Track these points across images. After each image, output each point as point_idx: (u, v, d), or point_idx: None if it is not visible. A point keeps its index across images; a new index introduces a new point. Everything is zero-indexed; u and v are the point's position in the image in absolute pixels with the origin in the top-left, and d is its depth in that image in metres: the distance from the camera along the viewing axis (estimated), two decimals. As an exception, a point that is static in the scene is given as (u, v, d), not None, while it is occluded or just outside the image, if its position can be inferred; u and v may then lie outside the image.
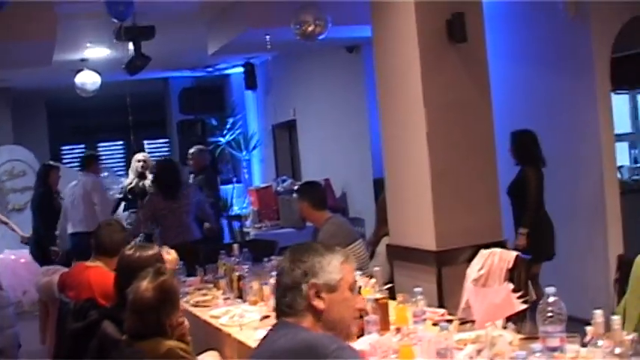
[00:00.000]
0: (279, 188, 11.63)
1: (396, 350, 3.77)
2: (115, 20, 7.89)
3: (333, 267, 2.84)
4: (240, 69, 13.79)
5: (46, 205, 10.09)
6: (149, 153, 16.87)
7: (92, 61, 11.57)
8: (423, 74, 5.70)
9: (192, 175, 10.85)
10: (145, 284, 3.86)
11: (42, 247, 9.98)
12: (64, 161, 16.08)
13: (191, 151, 10.86)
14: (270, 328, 2.92)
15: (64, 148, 17.83)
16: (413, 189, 5.91)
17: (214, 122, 14.81)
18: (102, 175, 13.25)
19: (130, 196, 10.50)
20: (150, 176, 10.32)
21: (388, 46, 6.14)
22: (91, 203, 9.72)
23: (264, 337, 2.88)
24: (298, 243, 3.04)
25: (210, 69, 14.26)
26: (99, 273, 5.29)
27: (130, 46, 8.80)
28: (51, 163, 11.06)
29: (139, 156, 10.72)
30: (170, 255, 5.57)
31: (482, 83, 5.95)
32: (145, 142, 18.56)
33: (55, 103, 16.06)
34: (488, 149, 5.98)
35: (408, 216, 6.01)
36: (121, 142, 18.79)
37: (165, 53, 10.21)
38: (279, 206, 11.19)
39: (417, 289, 4.45)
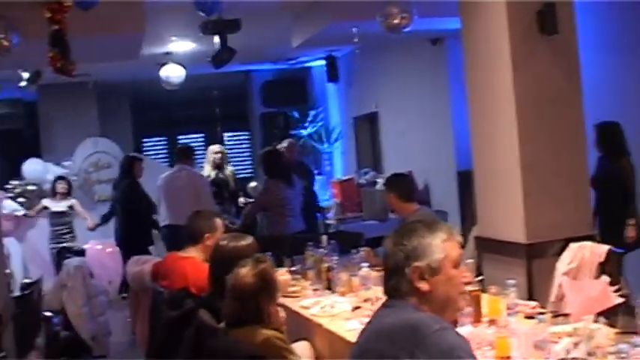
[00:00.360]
0: (361, 180, 11.67)
1: (490, 342, 3.78)
2: (202, 14, 8.00)
3: (435, 247, 2.80)
4: (322, 62, 13.81)
5: (135, 194, 10.12)
6: (229, 146, 17.18)
7: (176, 54, 11.72)
8: (513, 67, 5.67)
9: None
10: (246, 271, 3.99)
11: (128, 238, 10.09)
12: (146, 153, 16.31)
13: (283, 144, 10.73)
14: (382, 303, 2.93)
15: (145, 140, 18.12)
16: (502, 181, 5.88)
17: (296, 115, 14.87)
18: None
19: (214, 189, 10.43)
20: (229, 167, 10.43)
21: (478, 38, 6.12)
22: (195, 198, 9.41)
23: (373, 314, 2.91)
24: (402, 225, 3.01)
25: (292, 62, 14.29)
26: (194, 264, 5.44)
27: (216, 39, 8.88)
28: (135, 154, 11.21)
29: (215, 148, 10.83)
30: (283, 276, 5.61)
31: (574, 75, 5.90)
32: (225, 134, 18.77)
33: (138, 96, 16.32)
34: (578, 142, 5.92)
35: (497, 208, 5.98)
36: (201, 135, 19.03)
37: (248, 46, 10.27)
38: (362, 198, 11.23)
39: (510, 282, 4.46)
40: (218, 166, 10.53)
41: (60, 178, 11.66)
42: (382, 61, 12.38)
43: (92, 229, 11.23)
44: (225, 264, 4.46)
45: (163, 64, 11.77)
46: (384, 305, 2.86)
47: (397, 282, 2.79)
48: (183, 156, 9.97)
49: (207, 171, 10.65)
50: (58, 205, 11.39)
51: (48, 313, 5.27)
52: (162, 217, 9.68)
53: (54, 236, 11.29)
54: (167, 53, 11.62)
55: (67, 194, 11.49)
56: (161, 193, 9.72)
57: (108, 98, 14.92)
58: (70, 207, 11.49)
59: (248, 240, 4.79)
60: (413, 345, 2.56)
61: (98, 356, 7.64)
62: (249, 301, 3.94)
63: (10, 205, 11.87)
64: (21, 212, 11.79)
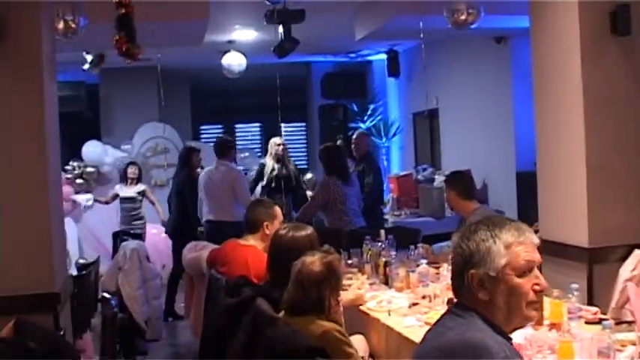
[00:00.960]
0: (419, 176, 11.62)
1: (551, 346, 3.73)
2: (268, 3, 8.01)
3: (496, 253, 2.60)
4: (383, 55, 13.80)
5: (188, 187, 9.98)
6: (286, 136, 17.21)
7: (239, 42, 11.75)
8: (583, 67, 5.55)
9: (352, 162, 10.23)
10: (314, 259, 4.02)
11: (179, 228, 9.94)
12: (204, 140, 16.40)
13: (354, 136, 10.52)
14: (449, 306, 2.87)
15: (203, 127, 18.23)
16: (566, 183, 5.79)
17: (355, 108, 14.87)
18: (239, 157, 13.57)
19: (273, 184, 10.22)
20: (291, 161, 10.36)
21: (547, 37, 6.02)
22: (232, 193, 9.32)
23: (440, 318, 2.78)
24: (467, 224, 2.82)
25: (352, 55, 14.30)
26: (254, 252, 5.50)
27: (280, 29, 8.88)
28: (192, 145, 11.20)
29: (277, 140, 10.62)
30: (360, 290, 5.51)
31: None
32: (283, 125, 18.79)
33: (198, 83, 16.43)
34: (646, 145, 5.80)
35: (560, 211, 5.89)
36: (258, 124, 19.11)
37: (310, 37, 10.22)
38: (419, 194, 11.17)
39: (573, 285, 4.40)
40: (279, 159, 10.34)
41: (131, 163, 11.72)
42: (445, 57, 12.31)
43: (164, 223, 11.25)
44: (285, 253, 4.49)
45: (225, 52, 11.83)
46: (451, 311, 2.74)
47: (459, 286, 2.69)
48: (219, 151, 9.67)
49: (269, 164, 10.37)
50: (128, 191, 11.44)
51: (105, 294, 5.30)
52: (204, 213, 9.54)
53: (124, 221, 11.33)
54: (230, 41, 11.69)
55: (137, 179, 11.52)
56: (201, 189, 9.56)
57: (169, 84, 14.94)
58: (140, 192, 11.53)
59: (308, 230, 4.80)
60: None
61: (151, 339, 7.70)
62: (312, 289, 3.95)
63: (84, 197, 12.05)
64: (90, 201, 11.94)
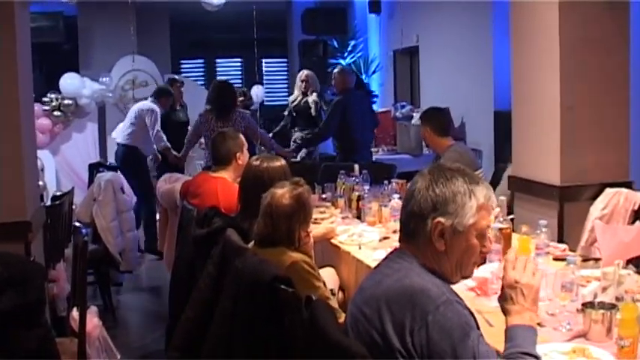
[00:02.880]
0: (397, 114, 11.59)
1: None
2: None
3: (468, 209, 2.59)
4: (365, -9, 13.73)
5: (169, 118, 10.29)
6: (267, 72, 17.15)
7: (218, -26, 11.60)
8: (560, 7, 5.52)
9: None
10: (283, 192, 4.01)
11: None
12: (184, 75, 16.32)
13: (335, 71, 10.29)
14: (388, 252, 2.81)
15: (183, 61, 18.12)
16: (540, 122, 5.79)
17: (335, 44, 14.77)
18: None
19: (294, 114, 10.41)
20: (313, 95, 10.31)
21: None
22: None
23: (378, 265, 2.77)
24: (441, 166, 2.75)
25: (334, -10, 14.22)
26: (225, 184, 5.52)
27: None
28: (175, 77, 11.21)
29: (300, 74, 10.68)
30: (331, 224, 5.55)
31: (622, 20, 5.74)
32: (264, 60, 18.73)
33: (177, 17, 16.27)
34: (621, 87, 5.79)
35: (533, 149, 5.90)
36: (238, 60, 19.03)
37: None
38: (397, 132, 11.18)
39: (541, 222, 4.43)
40: (304, 93, 10.42)
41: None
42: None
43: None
44: (257, 184, 4.50)
45: (205, -16, 11.70)
46: (391, 256, 2.72)
47: (414, 228, 2.62)
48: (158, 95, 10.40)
49: (295, 95, 10.55)
50: None
51: (77, 224, 5.29)
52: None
53: None
54: (208, -28, 11.52)
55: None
56: None
57: (147, 16, 14.87)
58: None
59: (281, 161, 4.81)
60: (411, 318, 2.41)
61: (124, 271, 7.73)
62: (281, 222, 3.95)
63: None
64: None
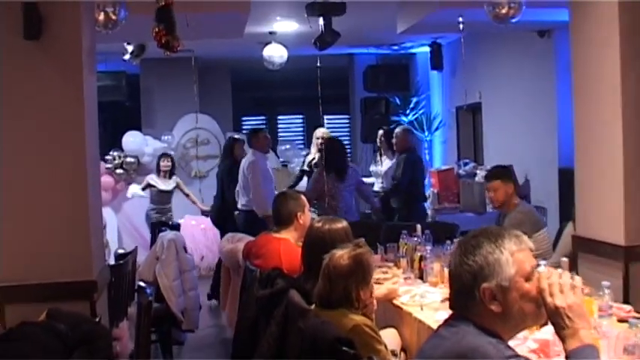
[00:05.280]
0: (461, 171, 11.66)
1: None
2: (309, -4, 8.11)
3: (505, 262, 2.65)
4: (427, 48, 13.81)
5: (230, 176, 10.46)
6: (329, 128, 17.32)
7: (280, 34, 11.86)
8: (622, 66, 5.58)
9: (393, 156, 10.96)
10: (342, 252, 4.12)
11: (223, 216, 10.38)
12: (244, 132, 16.52)
13: (396, 130, 10.76)
14: (446, 317, 2.87)
15: (245, 118, 18.39)
16: (604, 180, 5.82)
17: (397, 101, 14.89)
18: (280, 149, 13.76)
19: (309, 170, 10.80)
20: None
21: (586, 30, 6.02)
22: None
23: (437, 329, 2.84)
24: (470, 233, 2.82)
25: (395, 47, 14.32)
26: (287, 245, 5.68)
27: (321, 21, 8.99)
28: (236, 136, 11.45)
29: (318, 133, 11.00)
30: (394, 285, 5.66)
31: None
32: (325, 117, 18.93)
33: (239, 75, 16.58)
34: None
35: (597, 208, 5.92)
36: (300, 116, 19.27)
37: (352, 30, 10.31)
38: (460, 189, 11.23)
39: (604, 283, 4.44)
40: (320, 150, 10.66)
41: (164, 155, 11.98)
42: (488, 50, 12.35)
43: (204, 212, 11.85)
44: (319, 246, 4.61)
45: (266, 44, 11.95)
46: (446, 323, 2.79)
47: (465, 303, 2.70)
48: (251, 138, 10.43)
49: (313, 154, 10.91)
50: (165, 184, 11.72)
51: (141, 284, 5.45)
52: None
53: (157, 212, 11.61)
54: (271, 33, 11.77)
55: (170, 172, 11.80)
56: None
57: (209, 75, 15.19)
58: (176, 186, 11.92)
59: (343, 223, 4.94)
60: None
61: (187, 330, 7.86)
62: (339, 283, 4.05)
63: (134, 191, 12.28)
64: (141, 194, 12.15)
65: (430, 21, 9.30)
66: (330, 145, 9.50)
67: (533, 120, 11.01)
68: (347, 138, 18.51)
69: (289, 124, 19.56)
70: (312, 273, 4.54)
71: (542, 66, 10.73)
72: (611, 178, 5.70)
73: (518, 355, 2.58)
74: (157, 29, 6.52)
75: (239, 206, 10.08)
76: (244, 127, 18.11)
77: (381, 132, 11.69)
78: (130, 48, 11.12)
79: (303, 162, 11.44)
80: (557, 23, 9.57)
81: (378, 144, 11.81)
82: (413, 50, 14.98)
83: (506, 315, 2.66)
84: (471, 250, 2.69)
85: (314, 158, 10.74)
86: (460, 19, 8.81)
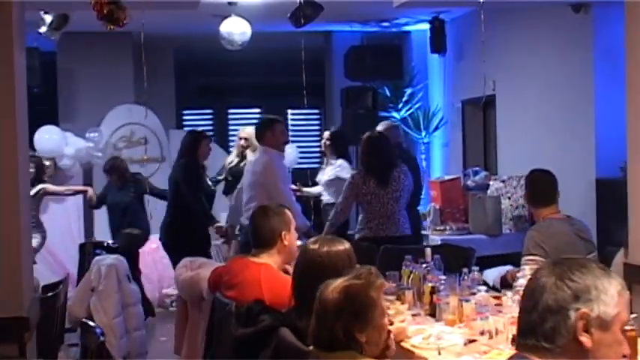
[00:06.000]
0: (469, 182, 11.73)
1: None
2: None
3: (611, 297, 2.74)
4: (425, 25, 13.94)
5: (194, 179, 10.43)
6: (293, 126, 17.38)
7: (242, 5, 11.84)
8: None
9: None
10: (337, 283, 4.11)
11: (178, 235, 10.36)
12: (186, 129, 16.48)
13: (379, 128, 10.87)
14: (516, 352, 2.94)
15: (186, 112, 18.36)
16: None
17: (387, 92, 14.91)
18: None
19: (229, 178, 11.27)
20: (251, 155, 10.81)
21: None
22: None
23: None
24: (567, 257, 2.95)
25: (386, 24, 14.38)
26: (269, 272, 5.71)
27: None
28: (200, 131, 11.49)
29: (241, 131, 11.51)
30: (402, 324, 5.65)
31: None
32: (289, 111, 19.03)
33: (183, 57, 16.56)
34: None
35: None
36: (256, 110, 19.32)
37: (332, 2, 10.27)
38: (469, 205, 11.26)
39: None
40: (242, 154, 11.26)
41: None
42: (505, 29, 12.33)
43: (93, 206, 11.98)
44: (316, 273, 4.65)
45: (224, 18, 11.93)
46: (520, 355, 2.86)
47: (554, 326, 2.75)
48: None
49: (231, 158, 11.44)
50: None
51: (87, 321, 5.47)
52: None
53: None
54: (230, 3, 11.69)
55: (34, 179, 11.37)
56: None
57: (148, 56, 15.07)
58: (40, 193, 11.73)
59: (345, 245, 5.00)
60: None
61: (131, 382, 7.91)
62: (325, 321, 4.04)
63: None
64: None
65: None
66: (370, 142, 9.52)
67: (564, 118, 11.09)
68: (315, 138, 18.58)
69: (242, 119, 19.57)
70: (307, 307, 4.56)
71: (575, 49, 10.80)
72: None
73: None
74: (96, -6, 6.57)
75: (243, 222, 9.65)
76: (185, 123, 18.08)
77: (327, 134, 11.72)
78: (48, 18, 11.04)
79: (222, 168, 11.70)
80: (598, -6, 9.72)
81: (323, 148, 11.92)
82: (407, 28, 15.07)
83: (590, 356, 2.74)
84: (578, 268, 2.79)
85: (232, 162, 11.22)
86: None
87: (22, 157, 5.42)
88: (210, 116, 19.44)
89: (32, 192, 11.29)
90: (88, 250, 9.62)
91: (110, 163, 11.72)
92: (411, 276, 6.53)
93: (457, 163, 13.91)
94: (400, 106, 14.76)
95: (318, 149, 17.82)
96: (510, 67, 12.39)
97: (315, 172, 12.81)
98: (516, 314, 4.73)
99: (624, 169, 9.12)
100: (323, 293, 4.11)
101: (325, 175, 11.62)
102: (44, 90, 14.82)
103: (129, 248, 10.46)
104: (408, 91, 14.91)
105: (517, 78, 12.32)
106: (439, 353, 5.15)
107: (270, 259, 5.81)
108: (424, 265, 6.55)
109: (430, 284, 6.22)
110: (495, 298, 5.89)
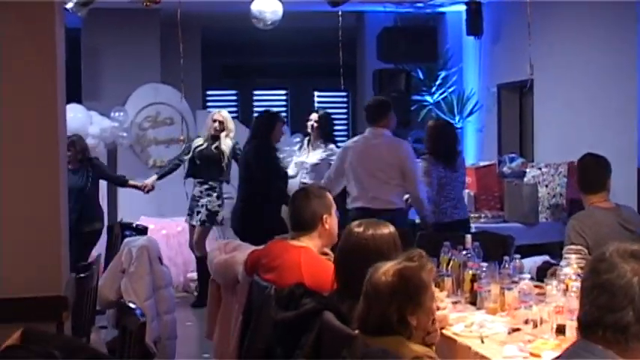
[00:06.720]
0: (504, 169, 11.78)
1: None
2: None
3: None
4: (461, 7, 14.00)
5: (269, 161, 10.54)
6: (320, 107, 17.38)
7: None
8: None
9: None
10: (388, 266, 4.21)
11: (252, 219, 10.45)
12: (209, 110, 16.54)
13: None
14: (565, 348, 3.06)
15: (209, 93, 18.43)
16: None
17: (421, 75, 15.00)
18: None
19: (198, 162, 11.46)
20: (227, 139, 11.08)
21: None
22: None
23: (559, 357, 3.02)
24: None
25: (420, 4, 14.46)
26: (309, 255, 5.78)
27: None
28: (276, 112, 11.61)
29: (216, 114, 11.64)
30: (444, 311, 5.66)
31: None
32: (316, 93, 19.09)
33: (210, 36, 16.62)
34: None
35: None
36: (283, 92, 19.39)
37: None
38: (505, 193, 11.32)
39: None
40: (214, 137, 11.45)
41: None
42: (546, 12, 12.31)
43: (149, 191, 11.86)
44: (361, 256, 4.76)
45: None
46: (576, 353, 2.93)
47: (624, 316, 2.81)
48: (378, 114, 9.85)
49: (201, 141, 11.65)
50: None
51: (129, 302, 5.55)
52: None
53: None
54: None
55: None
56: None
57: (174, 35, 15.15)
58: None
59: (390, 228, 5.09)
60: None
61: (160, 365, 7.98)
62: (376, 305, 4.14)
63: None
64: None
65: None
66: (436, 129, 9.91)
67: (605, 104, 11.12)
68: (344, 121, 18.64)
69: (267, 101, 19.66)
70: (350, 291, 4.69)
71: (619, 32, 10.80)
72: None
73: None
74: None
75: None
76: (209, 103, 18.13)
77: (315, 116, 11.70)
78: (74, -6, 11.10)
79: (189, 148, 11.82)
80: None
81: (310, 130, 11.85)
82: (442, 9, 15.13)
83: None
84: None
85: (202, 145, 11.43)
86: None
87: (61, 137, 5.52)
88: (234, 97, 19.51)
89: None
90: (116, 232, 9.67)
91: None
92: (451, 263, 6.58)
93: (492, 150, 13.97)
94: (434, 89, 14.84)
95: (345, 131, 17.95)
96: (550, 53, 12.39)
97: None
98: (561, 303, 4.93)
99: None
100: (373, 276, 4.20)
101: (311, 157, 11.56)
102: (68, 67, 14.72)
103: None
104: (442, 74, 14.97)
105: (557, 64, 12.34)
106: (482, 341, 5.19)
107: (310, 243, 5.88)
108: (464, 252, 6.59)
109: (471, 271, 6.26)
110: (536, 287, 5.92)
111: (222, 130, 11.38)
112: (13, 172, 5.33)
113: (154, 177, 11.77)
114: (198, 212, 11.46)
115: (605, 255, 2.91)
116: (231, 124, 11.48)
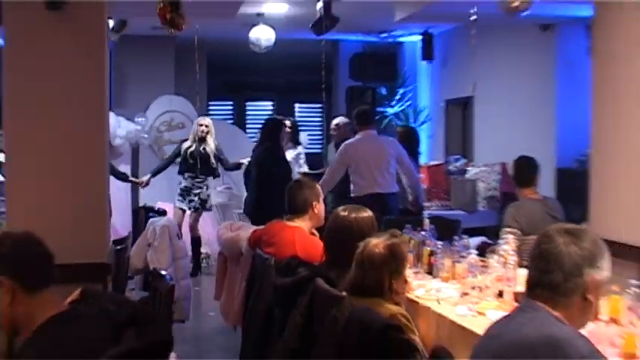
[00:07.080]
0: (451, 167, 11.88)
1: (610, 340, 4.03)
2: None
3: (606, 263, 2.90)
4: (416, 37, 14.05)
5: (282, 160, 10.26)
6: (299, 116, 17.46)
7: (268, 16, 12.00)
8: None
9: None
10: (377, 241, 4.34)
11: (264, 209, 9.98)
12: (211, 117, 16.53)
13: (335, 122, 11.04)
14: (519, 304, 3.11)
15: (212, 103, 18.45)
16: (622, 181, 6.04)
17: (384, 91, 15.12)
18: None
19: (191, 161, 11.33)
20: (211, 140, 11.17)
21: (611, 27, 6.18)
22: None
23: (508, 316, 3.07)
24: (567, 225, 3.04)
25: (384, 34, 14.48)
26: (301, 234, 5.90)
27: (319, 5, 9.17)
28: (280, 118, 11.32)
29: (201, 120, 11.64)
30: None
31: None
32: (297, 105, 19.16)
33: (214, 57, 16.65)
34: None
35: (614, 209, 6.14)
36: (269, 103, 19.45)
37: (345, 15, 10.33)
38: (451, 186, 11.44)
39: (633, 282, 4.70)
40: (201, 139, 11.39)
41: None
42: (484, 42, 12.38)
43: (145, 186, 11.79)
44: (346, 235, 4.89)
45: (253, 26, 12.10)
46: (521, 309, 3.00)
47: (555, 288, 2.87)
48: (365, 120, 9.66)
49: (189, 143, 11.52)
50: None
51: (159, 270, 5.56)
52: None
53: None
54: (258, 14, 11.90)
55: None
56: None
57: (186, 56, 15.21)
58: None
59: (368, 212, 5.19)
60: None
61: (178, 320, 8.01)
62: (372, 272, 4.26)
63: None
64: None
65: (433, 10, 9.48)
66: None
67: (530, 117, 11.24)
68: (318, 129, 18.71)
69: (257, 111, 19.72)
70: (337, 262, 4.83)
71: (542, 61, 10.94)
72: (630, 179, 5.92)
73: (593, 351, 2.78)
74: (161, 5, 6.71)
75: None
76: (210, 112, 18.14)
77: (288, 122, 11.57)
78: (111, 22, 11.17)
79: (178, 149, 11.70)
80: (562, 18, 9.81)
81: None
82: (401, 39, 15.18)
83: (589, 310, 2.92)
84: (584, 237, 2.92)
85: (190, 146, 11.36)
86: (475, 9, 8.98)
87: (106, 135, 5.59)
88: (231, 107, 19.58)
89: None
90: (141, 214, 9.72)
91: None
92: (412, 241, 6.66)
93: (440, 152, 14.06)
94: (394, 103, 14.99)
95: (320, 137, 18.02)
96: (488, 76, 12.49)
97: (317, 156, 12.99)
98: (500, 273, 5.01)
99: (579, 161, 9.33)
100: (366, 249, 4.33)
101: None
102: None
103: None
104: (401, 91, 15.12)
105: (494, 84, 12.45)
106: (439, 303, 5.26)
107: (302, 224, 6.00)
108: (422, 233, 6.70)
109: (428, 248, 6.35)
110: (480, 261, 5.99)
111: (208, 132, 11.37)
112: (69, 164, 5.38)
113: (149, 175, 11.67)
114: (191, 201, 11.32)
115: (549, 232, 2.97)
116: (212, 128, 11.52)
